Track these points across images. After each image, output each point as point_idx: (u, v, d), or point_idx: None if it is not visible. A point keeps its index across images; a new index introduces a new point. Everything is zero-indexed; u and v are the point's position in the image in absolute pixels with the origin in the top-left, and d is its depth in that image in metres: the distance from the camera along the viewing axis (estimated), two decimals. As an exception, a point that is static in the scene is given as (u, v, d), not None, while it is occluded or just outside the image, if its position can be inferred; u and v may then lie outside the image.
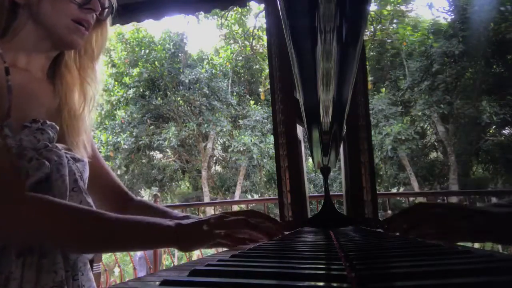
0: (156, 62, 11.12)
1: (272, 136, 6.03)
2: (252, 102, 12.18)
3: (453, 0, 10.19)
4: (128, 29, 11.18)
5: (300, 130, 1.88)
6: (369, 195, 1.73)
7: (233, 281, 0.28)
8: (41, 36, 0.72)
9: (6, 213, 0.56)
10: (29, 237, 0.58)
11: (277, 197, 1.84)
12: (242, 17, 11.95)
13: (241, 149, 11.02)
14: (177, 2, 2.23)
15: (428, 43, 10.65)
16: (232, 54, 12.14)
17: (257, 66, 12.94)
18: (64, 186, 0.65)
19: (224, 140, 12.81)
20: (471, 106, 9.76)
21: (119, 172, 11.21)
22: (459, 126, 10.62)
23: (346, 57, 0.47)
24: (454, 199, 4.70)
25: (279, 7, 0.38)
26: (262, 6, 3.40)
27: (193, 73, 11.09)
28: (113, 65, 11.52)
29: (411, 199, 4.39)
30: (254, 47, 11.22)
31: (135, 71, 11.19)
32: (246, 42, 11.70)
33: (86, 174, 0.75)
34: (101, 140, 10.62)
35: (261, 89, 10.17)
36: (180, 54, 11.60)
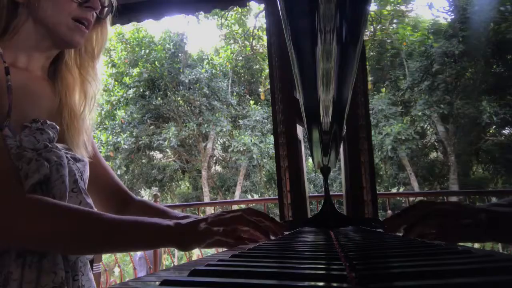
0: (156, 62, 11.12)
1: (272, 136, 6.04)
2: (252, 102, 12.19)
3: (453, 0, 10.19)
4: (128, 29, 11.19)
5: (300, 130, 1.88)
6: (369, 195, 1.73)
7: (233, 281, 0.28)
8: (41, 35, 0.72)
9: (5, 215, 0.56)
10: (29, 239, 0.58)
11: (277, 197, 1.84)
12: (242, 17, 11.95)
13: (241, 149, 11.03)
14: (177, 2, 2.24)
15: (428, 43, 10.66)
16: (232, 54, 12.15)
17: (257, 66, 12.94)
18: (63, 187, 0.65)
19: (224, 140, 12.81)
20: (471, 106, 9.76)
21: (119, 172, 11.21)
22: (459, 126, 10.61)
23: (346, 57, 0.47)
24: (454, 199, 4.70)
25: (279, 7, 0.38)
26: (262, 6, 3.40)
27: (193, 73, 11.09)
28: (113, 65, 11.53)
29: (411, 199, 4.39)
30: (254, 47, 11.23)
31: (135, 71, 11.19)
32: (246, 42, 11.71)
33: (87, 174, 0.75)
34: (101, 140, 10.63)
35: (261, 89, 10.17)
36: (180, 54, 11.60)
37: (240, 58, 12.68)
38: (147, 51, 11.18)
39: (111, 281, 4.54)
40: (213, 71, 11.52)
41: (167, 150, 12.17)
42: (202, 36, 32.72)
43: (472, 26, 9.20)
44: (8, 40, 0.70)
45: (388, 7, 11.00)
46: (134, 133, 11.09)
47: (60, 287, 0.62)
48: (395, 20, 11.25)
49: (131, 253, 5.14)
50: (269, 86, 2.12)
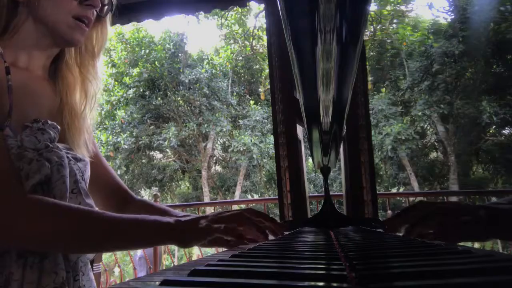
0: (156, 62, 11.12)
1: (272, 136, 6.04)
2: (252, 102, 12.18)
3: (453, 0, 10.19)
4: (128, 29, 11.19)
5: (300, 130, 1.88)
6: (369, 195, 1.73)
7: (233, 281, 0.28)
8: (42, 33, 0.72)
9: (5, 215, 0.56)
10: (29, 239, 0.58)
11: (277, 197, 1.84)
12: (242, 17, 11.95)
13: (241, 149, 11.02)
14: (177, 2, 2.24)
15: (428, 43, 10.65)
16: (232, 54, 12.14)
17: (257, 66, 12.94)
18: (64, 187, 0.65)
19: (224, 140, 12.81)
20: (471, 106, 9.76)
21: (119, 172, 11.20)
22: (459, 126, 10.61)
23: (346, 57, 0.47)
24: (454, 199, 4.70)
25: (279, 7, 0.38)
26: (262, 6, 3.40)
27: (193, 73, 11.09)
28: (113, 65, 11.52)
29: (411, 199, 4.39)
30: (254, 47, 11.22)
31: (135, 71, 11.19)
32: (246, 42, 11.71)
33: (88, 174, 0.75)
34: (101, 140, 10.63)
35: (261, 89, 10.17)
36: (180, 54, 11.60)
37: (240, 58, 12.68)
38: (147, 51, 11.18)
39: (111, 281, 4.54)
40: (213, 71, 11.52)
41: (167, 150, 12.17)
42: (202, 36, 32.75)
43: (472, 26, 9.20)
44: (8, 39, 0.70)
45: (388, 7, 11.00)
46: (134, 133, 11.09)
47: (61, 287, 0.62)
48: (395, 20, 11.25)
49: (131, 253, 5.15)
50: (269, 86, 2.12)
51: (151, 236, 0.65)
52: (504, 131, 11.01)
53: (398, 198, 10.05)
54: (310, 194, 4.23)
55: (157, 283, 0.28)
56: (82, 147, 0.75)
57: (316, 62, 0.46)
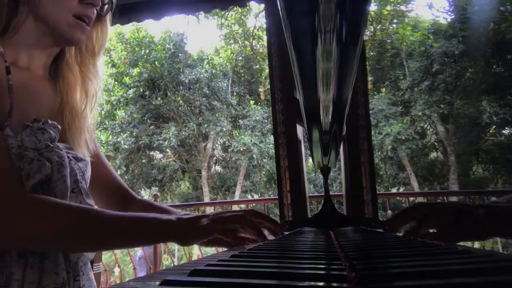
0: (156, 62, 11.12)
1: (272, 136, 6.04)
2: (252, 102, 12.18)
3: (453, 0, 10.19)
4: (128, 29, 11.19)
5: (300, 130, 1.88)
6: (369, 195, 1.73)
7: (233, 281, 0.28)
8: (42, 32, 0.72)
9: (5, 215, 0.56)
10: (30, 239, 0.58)
11: (277, 197, 1.84)
12: (242, 17, 11.95)
13: (241, 149, 11.03)
14: (177, 2, 2.24)
15: (428, 43, 10.65)
16: (232, 54, 12.14)
17: (257, 66, 12.94)
18: (65, 187, 0.65)
19: (224, 140, 12.81)
20: (471, 106, 9.76)
21: (119, 172, 11.21)
22: (459, 126, 10.61)
23: (346, 57, 0.47)
24: (454, 199, 4.70)
25: (279, 7, 0.38)
26: (262, 6, 3.40)
27: (193, 73, 11.09)
28: (113, 65, 11.52)
29: (411, 199, 4.39)
30: (254, 47, 11.23)
31: (135, 71, 11.19)
32: (246, 42, 11.71)
33: (88, 174, 0.75)
34: (101, 140, 10.63)
35: (261, 89, 10.17)
36: (180, 54, 11.60)
37: (240, 58, 12.68)
38: (147, 51, 11.18)
39: (111, 281, 4.54)
40: (213, 71, 11.52)
41: (167, 150, 12.17)
42: (202, 36, 32.75)
43: (472, 26, 9.20)
44: (8, 38, 0.70)
45: (388, 7, 11.00)
46: (134, 133, 11.09)
47: (61, 287, 0.62)
48: (395, 20, 11.25)
49: (131, 253, 5.15)
50: (269, 86, 2.12)
51: (151, 234, 0.65)
52: (504, 131, 11.01)
53: (398, 198, 10.05)
54: (310, 194, 4.23)
55: (157, 283, 0.28)
56: (83, 146, 0.75)
57: (316, 62, 0.46)
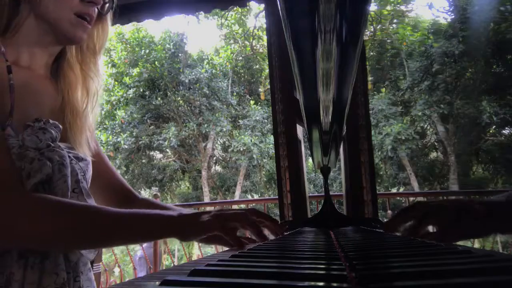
0: (156, 62, 11.12)
1: (272, 136, 6.04)
2: (252, 102, 12.19)
3: (453, 0, 10.19)
4: (128, 29, 11.19)
5: (300, 130, 1.88)
6: (369, 195, 1.73)
7: (233, 281, 0.28)
8: (44, 30, 0.71)
9: (6, 214, 0.56)
10: (30, 239, 0.58)
11: (277, 197, 1.84)
12: (242, 17, 11.95)
13: (241, 149, 11.03)
14: (177, 2, 2.24)
15: (428, 43, 10.66)
16: (232, 54, 12.15)
17: (257, 66, 12.94)
18: (65, 187, 0.65)
19: (224, 140, 12.81)
20: (471, 106, 9.76)
21: (119, 172, 11.18)
22: (459, 126, 10.61)
23: (346, 57, 0.47)
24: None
25: (279, 7, 0.38)
26: (262, 6, 3.40)
27: (193, 73, 11.09)
28: (113, 65, 11.52)
29: (411, 199, 4.39)
30: (254, 47, 11.23)
31: (135, 71, 11.19)
32: (246, 42, 11.71)
33: (89, 173, 0.75)
34: (101, 140, 10.63)
35: (261, 89, 10.18)
36: (180, 54, 11.60)
37: (240, 58, 12.68)
38: (147, 51, 11.18)
39: (111, 281, 4.54)
40: (213, 71, 11.52)
41: (167, 150, 12.17)
42: (202, 36, 32.74)
43: (472, 26, 9.20)
44: (10, 38, 0.70)
45: (388, 7, 11.00)
46: (134, 133, 11.09)
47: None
48: (395, 20, 11.25)
49: (131, 253, 5.15)
50: (269, 86, 2.12)
51: (152, 230, 0.65)
52: (504, 131, 11.02)
53: (398, 198, 10.04)
54: (310, 194, 4.23)
55: (157, 283, 0.28)
56: (84, 145, 0.75)
57: (316, 62, 0.46)
